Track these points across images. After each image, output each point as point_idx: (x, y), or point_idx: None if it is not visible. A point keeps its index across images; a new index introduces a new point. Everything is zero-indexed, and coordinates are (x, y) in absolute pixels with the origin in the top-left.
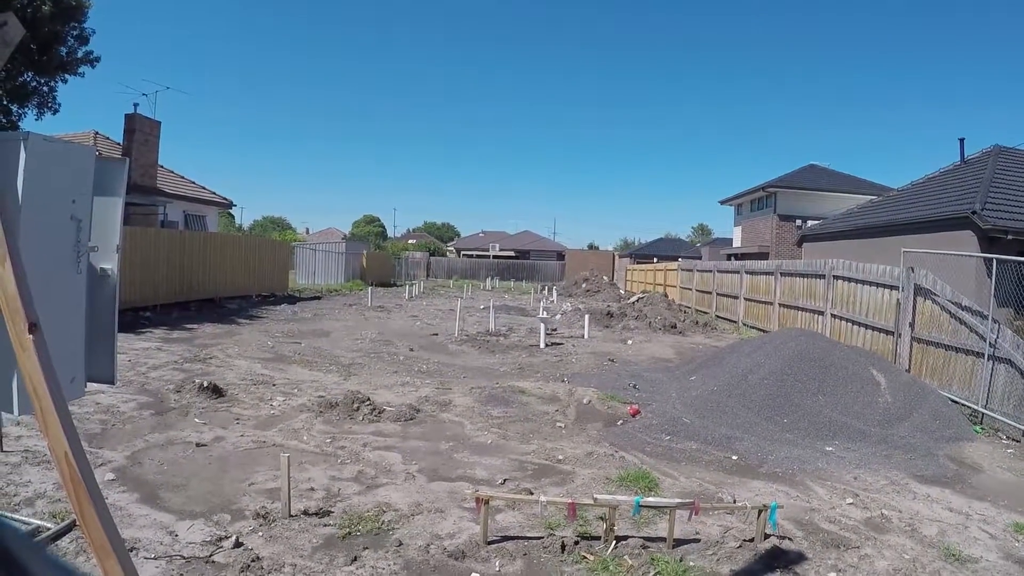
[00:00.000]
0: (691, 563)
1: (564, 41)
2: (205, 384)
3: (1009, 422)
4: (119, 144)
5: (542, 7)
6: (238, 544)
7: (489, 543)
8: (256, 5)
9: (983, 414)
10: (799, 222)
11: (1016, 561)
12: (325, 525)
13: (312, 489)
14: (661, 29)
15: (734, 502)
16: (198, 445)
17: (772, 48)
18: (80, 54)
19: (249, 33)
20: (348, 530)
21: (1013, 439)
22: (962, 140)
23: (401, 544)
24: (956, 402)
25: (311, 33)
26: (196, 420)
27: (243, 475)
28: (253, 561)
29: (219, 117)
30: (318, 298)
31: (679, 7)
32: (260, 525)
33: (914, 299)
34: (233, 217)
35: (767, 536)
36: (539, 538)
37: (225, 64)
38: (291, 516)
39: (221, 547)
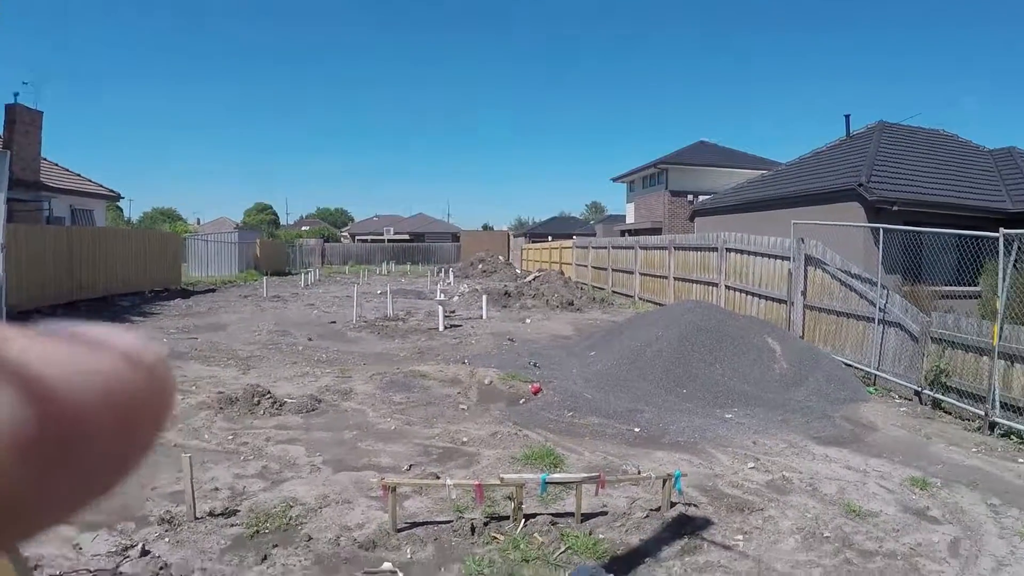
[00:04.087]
0: (601, 535)
1: (455, 25)
2: None
3: (901, 382)
4: None
5: None
6: (145, 552)
7: (399, 530)
8: None
9: (876, 376)
10: (691, 197)
11: (914, 513)
12: (232, 525)
13: (216, 489)
14: (553, 8)
15: (639, 473)
16: None
17: (662, 27)
18: None
19: (126, 20)
20: (256, 528)
21: (905, 398)
22: (847, 116)
23: (311, 538)
24: (850, 365)
25: (193, 23)
26: None
27: (144, 479)
28: (161, 569)
29: (102, 108)
30: (212, 290)
31: None
32: (166, 531)
33: (805, 268)
34: (122, 210)
35: (673, 504)
36: (448, 522)
37: (106, 55)
38: (197, 518)
39: (128, 556)
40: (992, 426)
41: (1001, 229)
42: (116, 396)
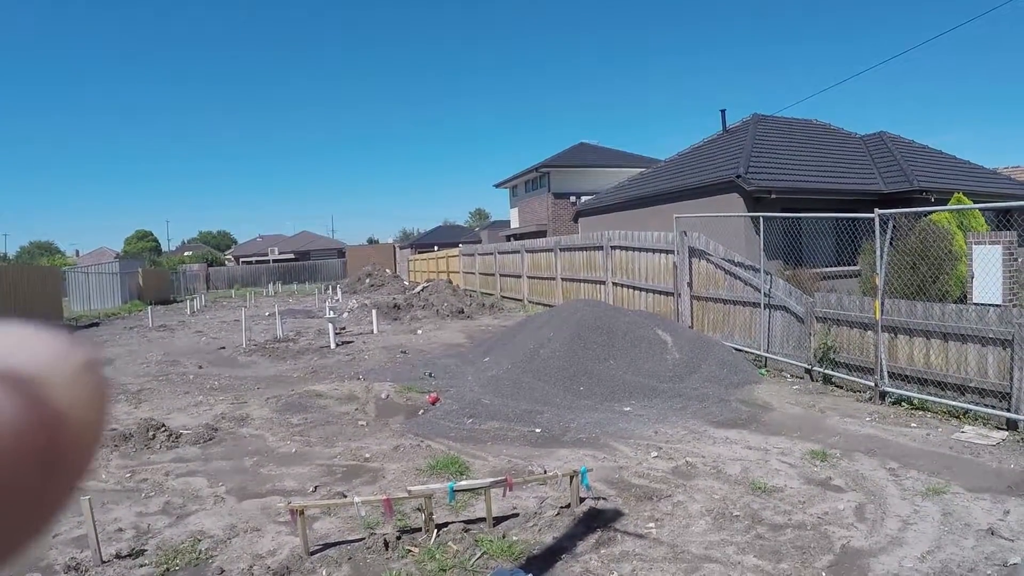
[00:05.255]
0: (515, 537)
1: (336, 40)
2: None
3: (791, 362)
4: None
5: (307, 8)
6: None
7: (312, 553)
8: None
9: (766, 358)
10: (573, 199)
11: (818, 484)
12: (141, 566)
13: (120, 530)
14: (435, 22)
15: (545, 472)
16: None
17: (540, 32)
18: None
19: None
20: (166, 567)
21: (797, 376)
22: (723, 111)
23: (223, 571)
24: (740, 350)
25: (56, 50)
26: None
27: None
28: None
29: None
30: (96, 324)
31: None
32: None
33: (689, 260)
34: None
35: (582, 500)
36: (361, 540)
37: None
38: (104, 562)
39: None
40: (883, 395)
41: (876, 210)
42: (31, 420)
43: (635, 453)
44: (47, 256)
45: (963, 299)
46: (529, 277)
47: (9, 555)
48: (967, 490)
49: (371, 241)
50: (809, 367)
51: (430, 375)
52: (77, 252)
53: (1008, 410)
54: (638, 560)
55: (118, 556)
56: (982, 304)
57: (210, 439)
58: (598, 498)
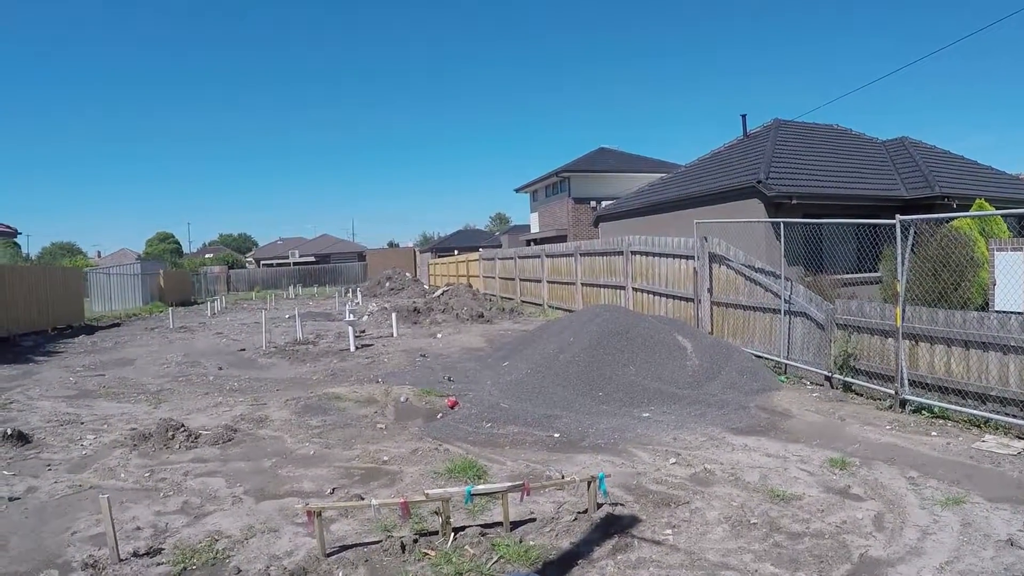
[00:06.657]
0: (531, 542)
1: (355, 42)
2: (9, 432)
3: (811, 368)
4: None
5: (324, 9)
6: None
7: (328, 555)
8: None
9: (786, 364)
10: (594, 203)
11: (837, 492)
12: (158, 564)
13: (138, 528)
14: (447, 22)
15: (562, 477)
16: (11, 499)
17: (558, 33)
18: None
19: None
20: (183, 566)
21: (817, 384)
22: (744, 116)
23: (240, 571)
24: (760, 356)
25: (75, 52)
26: (5, 472)
27: (64, 524)
28: None
29: None
30: (117, 325)
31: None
32: (90, 575)
33: (710, 266)
34: (19, 247)
35: (600, 505)
36: (377, 542)
37: None
38: (121, 560)
39: None
40: (903, 403)
41: (897, 216)
42: None
43: (653, 459)
44: (69, 257)
45: (985, 306)
46: (549, 282)
47: None
48: (987, 500)
49: (391, 245)
50: (829, 374)
51: (449, 379)
52: (99, 253)
53: None
54: (655, 567)
55: (135, 554)
56: (1004, 311)
57: (229, 440)
58: (616, 504)
